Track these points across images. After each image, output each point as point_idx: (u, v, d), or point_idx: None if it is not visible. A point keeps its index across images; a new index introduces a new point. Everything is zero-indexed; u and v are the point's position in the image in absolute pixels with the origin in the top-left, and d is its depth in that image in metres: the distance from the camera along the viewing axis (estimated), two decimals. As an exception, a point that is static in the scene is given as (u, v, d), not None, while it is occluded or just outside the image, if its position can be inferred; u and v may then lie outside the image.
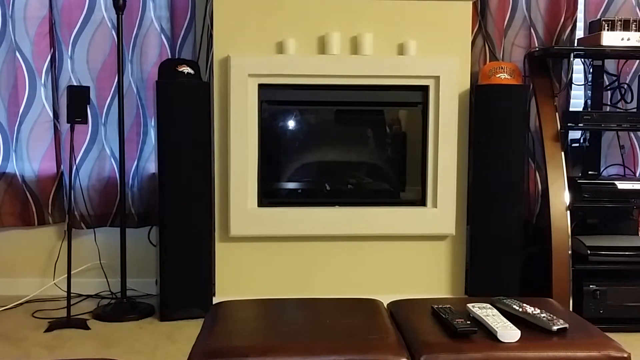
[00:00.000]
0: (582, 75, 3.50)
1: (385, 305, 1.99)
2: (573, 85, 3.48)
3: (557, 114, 3.21)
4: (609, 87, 3.47)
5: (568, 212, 3.08)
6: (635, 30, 3.05)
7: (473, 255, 3.25)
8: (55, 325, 3.02)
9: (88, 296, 3.50)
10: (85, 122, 3.16)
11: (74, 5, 3.39)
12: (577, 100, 3.53)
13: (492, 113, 3.16)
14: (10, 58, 3.39)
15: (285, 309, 1.92)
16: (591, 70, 3.38)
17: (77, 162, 3.45)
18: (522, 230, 3.21)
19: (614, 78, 3.47)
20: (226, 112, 3.17)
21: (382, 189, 3.40)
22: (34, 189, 3.47)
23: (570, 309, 2.97)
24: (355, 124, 3.38)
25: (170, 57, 3.45)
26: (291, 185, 3.33)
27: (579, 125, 3.10)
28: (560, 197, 3.10)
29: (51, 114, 3.45)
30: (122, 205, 3.27)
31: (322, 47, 3.19)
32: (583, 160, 3.43)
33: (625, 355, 1.63)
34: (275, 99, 3.24)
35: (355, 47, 3.20)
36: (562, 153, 3.14)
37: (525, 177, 3.30)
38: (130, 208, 3.49)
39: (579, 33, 3.46)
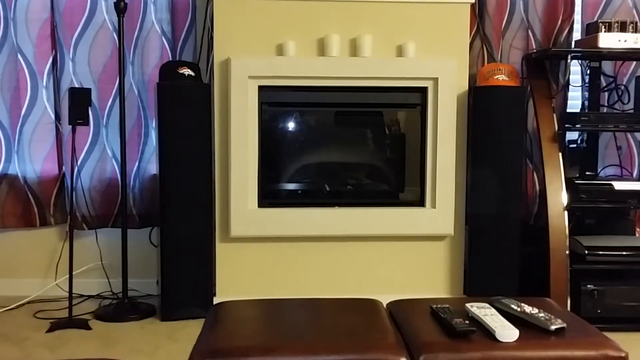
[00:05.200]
0: (579, 77, 3.52)
1: (385, 305, 2.00)
2: (570, 86, 3.50)
3: (554, 115, 3.22)
4: (606, 89, 3.49)
5: (566, 212, 3.10)
6: (632, 32, 3.07)
7: (471, 255, 3.27)
8: (57, 325, 3.04)
9: (90, 296, 3.52)
10: (87, 123, 3.18)
11: (76, 8, 3.40)
12: (575, 101, 3.54)
13: (490, 114, 3.18)
14: (12, 60, 3.41)
15: (285, 309, 1.93)
16: (588, 72, 3.40)
17: (78, 163, 3.46)
18: (520, 231, 3.22)
19: (611, 79, 3.49)
20: (226, 114, 3.19)
21: (381, 190, 3.42)
22: (36, 190, 3.49)
23: (568, 309, 2.99)
24: (355, 126, 3.40)
25: (171, 59, 3.46)
26: (291, 186, 3.35)
27: (577, 126, 3.12)
28: (558, 197, 3.11)
29: (53, 116, 3.47)
30: (123, 206, 3.29)
31: (322, 49, 3.21)
32: (580, 161, 3.44)
33: (623, 354, 1.64)
34: (275, 101, 3.26)
35: (354, 49, 3.22)
36: (560, 154, 3.16)
37: (523, 178, 3.32)
38: (132, 209, 3.50)
39: (576, 35, 3.48)
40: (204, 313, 3.04)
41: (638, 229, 3.49)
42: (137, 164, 3.51)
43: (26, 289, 3.50)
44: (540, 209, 3.46)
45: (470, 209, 3.27)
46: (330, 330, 1.73)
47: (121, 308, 3.26)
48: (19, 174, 3.47)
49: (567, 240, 3.07)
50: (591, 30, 3.20)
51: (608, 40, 3.06)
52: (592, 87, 3.39)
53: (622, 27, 3.07)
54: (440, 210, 3.26)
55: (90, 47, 3.44)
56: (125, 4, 3.21)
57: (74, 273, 3.19)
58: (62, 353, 2.73)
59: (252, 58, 3.16)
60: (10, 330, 3.01)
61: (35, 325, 3.07)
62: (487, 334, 1.67)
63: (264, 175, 3.28)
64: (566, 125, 3.17)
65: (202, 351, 1.62)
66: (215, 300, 3.21)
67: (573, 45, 3.41)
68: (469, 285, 3.29)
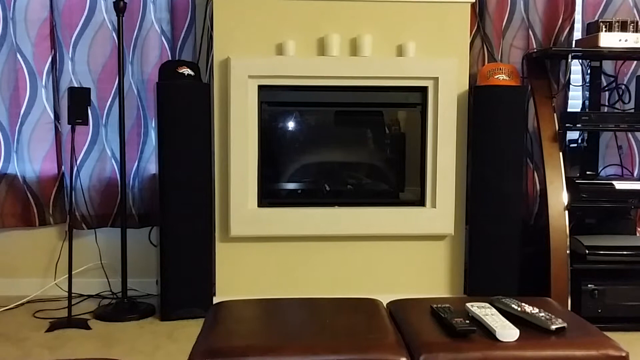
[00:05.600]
0: (580, 76, 3.52)
1: (385, 305, 2.00)
2: (571, 86, 3.50)
3: (555, 114, 3.22)
4: (606, 88, 3.49)
5: (566, 212, 3.10)
6: (633, 32, 3.07)
7: (472, 255, 3.26)
8: (56, 325, 3.04)
9: (89, 296, 3.52)
10: (86, 123, 3.17)
11: (75, 7, 3.40)
12: (575, 101, 3.54)
13: (490, 114, 3.18)
14: (12, 60, 3.41)
15: (285, 309, 1.93)
16: (589, 71, 3.40)
17: (78, 163, 3.46)
18: (520, 230, 3.22)
19: (612, 79, 3.49)
20: (226, 113, 3.19)
21: (382, 190, 3.42)
22: (35, 190, 3.48)
23: (569, 309, 2.98)
24: (355, 125, 3.40)
25: (170, 58, 3.46)
26: (291, 185, 3.35)
27: (577, 125, 3.12)
28: (559, 197, 3.11)
29: (52, 115, 3.47)
30: (122, 205, 3.29)
31: (322, 48, 3.21)
32: (581, 161, 3.44)
33: (624, 354, 1.64)
34: (275, 100, 3.25)
35: (354, 48, 3.22)
36: (560, 153, 3.15)
37: (523, 178, 3.32)
38: (131, 208, 3.50)
39: (577, 34, 3.48)
40: (203, 313, 3.04)
41: (639, 229, 3.48)
42: (136, 163, 3.51)
43: (25, 289, 3.50)
44: (540, 209, 3.46)
45: (470, 209, 3.27)
46: (330, 330, 1.73)
47: (120, 308, 3.25)
48: (18, 174, 3.47)
49: (568, 239, 3.07)
50: (592, 29, 3.19)
51: (609, 39, 3.06)
52: (593, 86, 3.39)
53: (623, 27, 3.07)
54: (441, 210, 3.26)
55: (90, 47, 3.44)
56: (125, 4, 3.21)
57: (73, 273, 3.20)
58: (61, 353, 2.73)
59: (252, 57, 3.16)
60: (9, 330, 3.01)
61: (35, 325, 3.07)
62: (488, 333, 1.67)
63: (264, 175, 3.28)
64: (567, 125, 3.17)
65: (201, 351, 1.62)
66: (215, 300, 3.21)
67: (574, 45, 3.41)
68: (469, 285, 3.29)
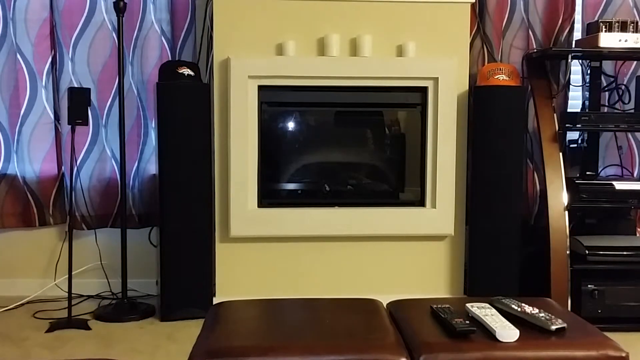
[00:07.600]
0: (579, 77, 3.52)
1: (385, 305, 2.00)
2: (571, 86, 3.49)
3: (555, 115, 3.22)
4: (606, 88, 3.49)
5: (566, 212, 3.10)
6: (633, 32, 3.07)
7: (472, 255, 3.26)
8: (56, 325, 3.04)
9: (89, 297, 3.51)
10: (86, 123, 3.17)
11: (75, 8, 3.40)
12: (575, 101, 3.54)
13: (490, 114, 3.18)
14: (12, 60, 3.41)
15: (285, 309, 1.93)
16: (589, 72, 3.40)
17: (78, 163, 3.46)
18: (520, 231, 3.22)
19: (612, 79, 3.49)
20: (226, 114, 3.19)
21: (382, 190, 3.42)
22: (35, 190, 3.48)
23: (569, 309, 2.98)
24: (355, 125, 3.40)
25: (170, 58, 3.46)
26: (291, 185, 3.35)
27: (577, 126, 3.11)
28: (559, 197, 3.11)
29: (52, 116, 3.47)
30: (122, 206, 3.29)
31: (322, 48, 3.21)
32: (581, 161, 3.44)
33: (624, 354, 1.64)
34: (275, 101, 3.25)
35: (354, 48, 3.22)
36: (560, 154, 3.15)
37: (523, 178, 3.32)
38: (131, 209, 3.50)
39: (577, 34, 3.48)
40: (203, 313, 3.01)
41: (639, 229, 3.48)
42: (136, 163, 3.51)
43: (25, 289, 3.49)
44: (540, 209, 3.46)
45: (470, 209, 3.27)
46: (330, 330, 1.73)
47: (120, 308, 3.25)
48: (18, 174, 3.47)
49: (568, 240, 3.07)
50: (592, 29, 3.19)
51: (609, 40, 3.06)
52: (593, 86, 3.38)
53: (623, 27, 3.07)
54: (441, 210, 3.26)
55: (90, 47, 3.44)
56: (125, 4, 3.21)
57: (73, 273, 3.19)
58: (61, 353, 2.73)
59: (251, 58, 3.16)
60: (9, 330, 3.01)
61: (35, 326, 3.07)
62: (488, 334, 1.67)
63: (264, 175, 3.28)
64: (567, 125, 3.16)
65: (201, 351, 1.62)
66: (215, 300, 3.21)
67: (574, 45, 3.41)
68: (469, 285, 3.29)
